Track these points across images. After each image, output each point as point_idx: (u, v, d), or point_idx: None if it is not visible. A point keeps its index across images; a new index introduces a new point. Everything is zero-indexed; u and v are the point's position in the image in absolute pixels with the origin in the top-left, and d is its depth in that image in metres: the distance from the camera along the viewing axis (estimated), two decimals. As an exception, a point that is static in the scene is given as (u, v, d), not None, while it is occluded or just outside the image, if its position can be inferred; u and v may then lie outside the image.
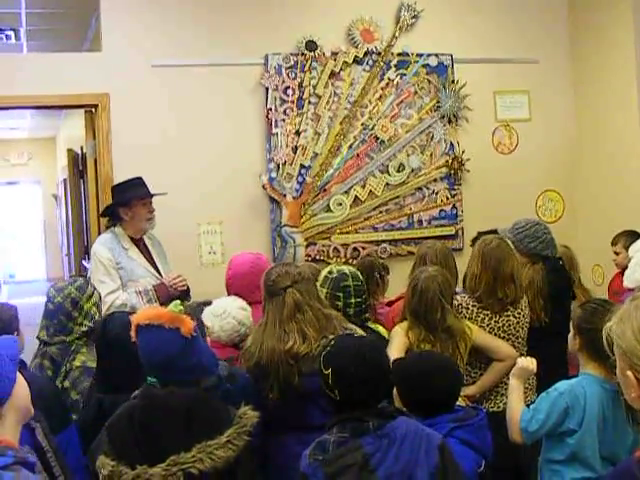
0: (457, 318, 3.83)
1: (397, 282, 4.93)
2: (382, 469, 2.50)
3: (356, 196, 6.58)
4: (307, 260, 6.19)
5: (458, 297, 4.14)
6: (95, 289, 3.87)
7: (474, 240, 5.41)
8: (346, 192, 6.57)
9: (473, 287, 4.06)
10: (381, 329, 3.97)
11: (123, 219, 5.05)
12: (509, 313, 4.15)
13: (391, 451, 2.51)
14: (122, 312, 3.51)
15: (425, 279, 3.73)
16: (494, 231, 4.93)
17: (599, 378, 3.10)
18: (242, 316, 3.73)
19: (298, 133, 6.43)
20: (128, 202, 5.00)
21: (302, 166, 6.46)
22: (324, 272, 3.82)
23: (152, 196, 5.07)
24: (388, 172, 6.65)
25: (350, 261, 6.19)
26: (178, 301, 2.72)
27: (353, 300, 3.70)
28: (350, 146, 6.58)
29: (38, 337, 3.69)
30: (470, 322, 4.05)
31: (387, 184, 6.66)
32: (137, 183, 5.05)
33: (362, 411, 2.58)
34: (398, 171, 6.68)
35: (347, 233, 6.58)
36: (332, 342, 2.79)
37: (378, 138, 6.67)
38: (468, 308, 4.12)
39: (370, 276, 4.64)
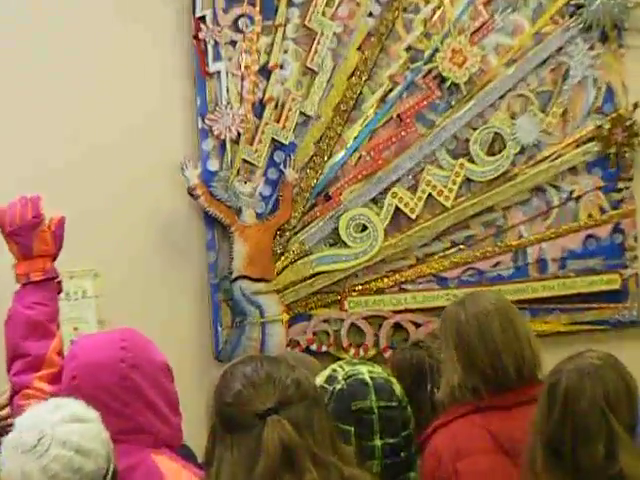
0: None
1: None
2: None
3: (397, 208, 4.59)
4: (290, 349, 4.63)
5: None
6: None
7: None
8: (374, 201, 4.62)
9: None
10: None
11: None
12: None
13: None
14: None
15: (574, 375, 2.67)
16: None
17: None
18: (94, 443, 2.39)
19: (266, 71, 4.51)
20: None
21: (276, 145, 4.56)
22: (322, 376, 2.89)
23: None
24: (468, 155, 4.64)
25: (383, 355, 4.60)
26: None
27: (378, 442, 2.77)
28: (382, 99, 4.60)
29: None
30: None
31: (467, 181, 4.65)
32: None
33: None
34: (490, 153, 4.64)
35: (378, 292, 4.65)
36: None
37: (444, 80, 4.60)
38: None
39: (418, 385, 3.40)
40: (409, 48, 4.49)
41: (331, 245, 4.52)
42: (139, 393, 2.58)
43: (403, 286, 4.59)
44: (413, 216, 4.52)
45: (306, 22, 4.40)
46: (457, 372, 3.10)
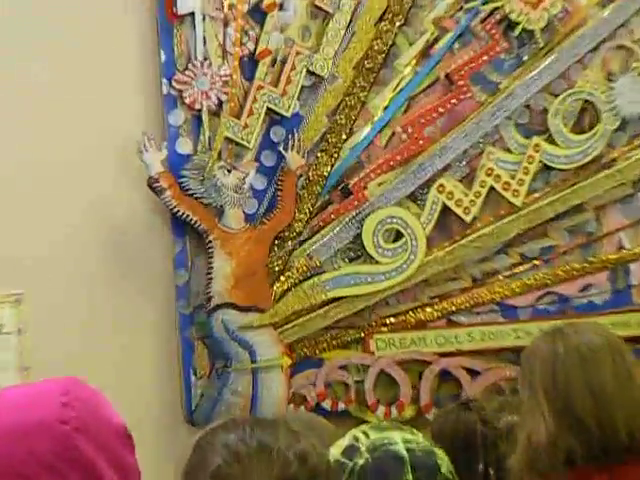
0: None
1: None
2: None
3: (445, 208, 3.91)
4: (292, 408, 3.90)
5: None
6: None
7: None
8: (413, 198, 3.91)
9: None
10: None
11: None
12: None
13: None
14: None
15: None
16: None
17: None
18: None
19: (259, 13, 3.78)
20: None
21: (274, 118, 3.82)
22: (339, 447, 2.22)
23: None
24: (546, 132, 3.87)
25: (425, 417, 3.88)
26: None
27: None
28: (424, 53, 3.88)
29: None
30: None
31: (544, 169, 3.86)
32: None
33: None
34: (578, 129, 3.90)
35: (418, 327, 3.91)
36: None
37: (513, 26, 3.87)
38: None
39: (466, 463, 2.89)
40: (461, -19, 4.15)
41: (351, 260, 3.89)
42: (89, 468, 2.07)
43: (453, 318, 3.92)
44: (468, 219, 3.81)
45: (318, -57, 4.02)
46: (546, 426, 2.51)
